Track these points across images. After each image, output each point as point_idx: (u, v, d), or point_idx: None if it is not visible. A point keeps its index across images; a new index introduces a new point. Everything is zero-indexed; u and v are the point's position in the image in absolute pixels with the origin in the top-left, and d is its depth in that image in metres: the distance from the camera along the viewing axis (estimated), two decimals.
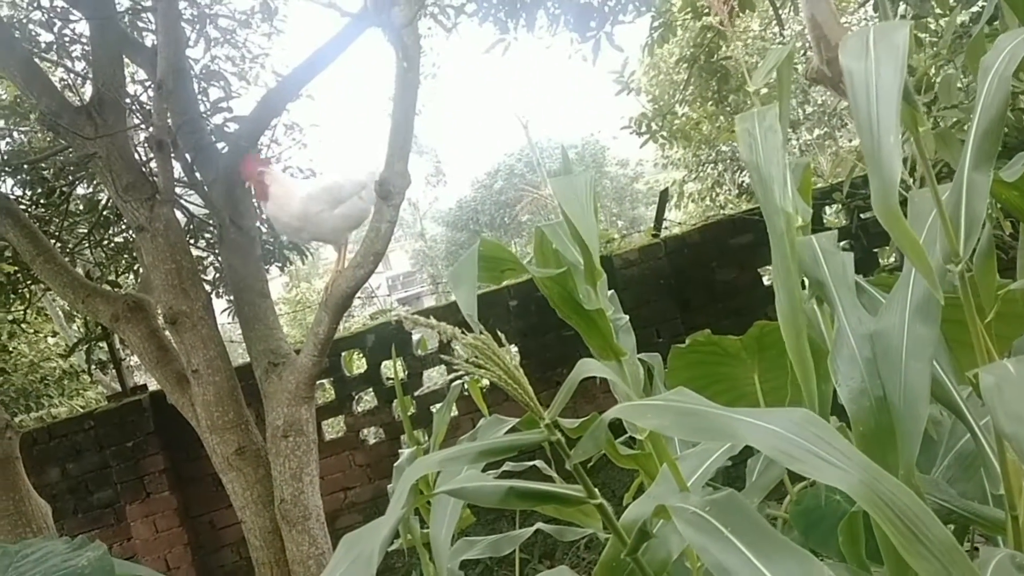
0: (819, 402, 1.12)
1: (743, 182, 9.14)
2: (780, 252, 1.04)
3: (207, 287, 3.57)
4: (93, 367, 6.96)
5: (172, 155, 3.01)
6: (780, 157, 1.07)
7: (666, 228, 5.64)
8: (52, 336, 9.23)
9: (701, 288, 5.06)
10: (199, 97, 4.28)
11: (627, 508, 1.03)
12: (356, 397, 5.08)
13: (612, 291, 1.72)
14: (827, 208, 5.48)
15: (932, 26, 4.34)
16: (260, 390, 2.98)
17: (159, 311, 3.12)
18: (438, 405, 3.11)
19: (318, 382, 4.99)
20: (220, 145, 3.36)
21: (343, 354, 4.97)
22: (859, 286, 1.24)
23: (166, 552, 4.68)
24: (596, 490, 0.95)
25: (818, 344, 1.20)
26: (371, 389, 5.03)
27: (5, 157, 4.59)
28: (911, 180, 1.42)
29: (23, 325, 7.34)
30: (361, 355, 5.08)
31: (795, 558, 0.72)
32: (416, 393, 4.87)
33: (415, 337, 4.96)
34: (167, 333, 3.12)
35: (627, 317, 1.67)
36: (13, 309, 5.00)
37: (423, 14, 5.52)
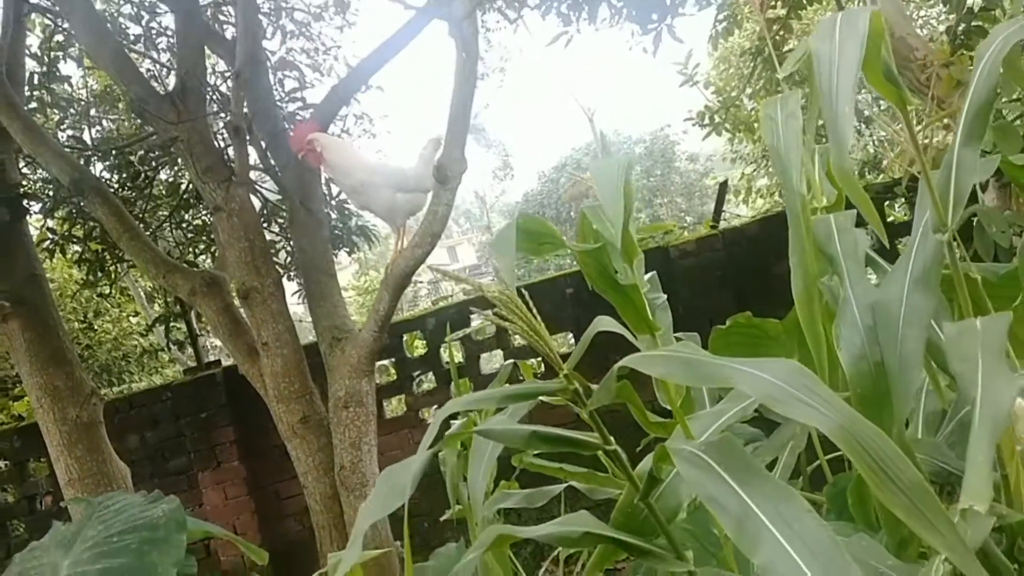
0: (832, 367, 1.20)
1: None
2: (796, 231, 1.12)
3: (278, 269, 3.77)
4: (171, 346, 7.35)
5: (248, 140, 3.20)
6: (799, 142, 1.15)
7: (725, 220, 5.64)
8: (134, 316, 9.72)
9: (757, 281, 5.03)
10: (275, 87, 4.51)
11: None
12: (416, 378, 5.25)
13: (654, 272, 1.81)
14: (895, 204, 5.39)
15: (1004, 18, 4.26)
16: (324, 363, 3.15)
17: (232, 287, 3.32)
18: None
19: (382, 362, 5.19)
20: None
21: (405, 336, 5.16)
22: (876, 263, 1.31)
23: (234, 519, 4.94)
24: (611, 437, 1.05)
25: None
26: (431, 371, 5.20)
27: (96, 143, 4.91)
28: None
29: (107, 303, 7.78)
30: (422, 338, 5.27)
31: (775, 489, 0.81)
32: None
33: (474, 322, 5.10)
34: (240, 308, 3.32)
35: (665, 296, 1.75)
36: (99, 285, 5.33)
37: (490, 8, 5.66)
